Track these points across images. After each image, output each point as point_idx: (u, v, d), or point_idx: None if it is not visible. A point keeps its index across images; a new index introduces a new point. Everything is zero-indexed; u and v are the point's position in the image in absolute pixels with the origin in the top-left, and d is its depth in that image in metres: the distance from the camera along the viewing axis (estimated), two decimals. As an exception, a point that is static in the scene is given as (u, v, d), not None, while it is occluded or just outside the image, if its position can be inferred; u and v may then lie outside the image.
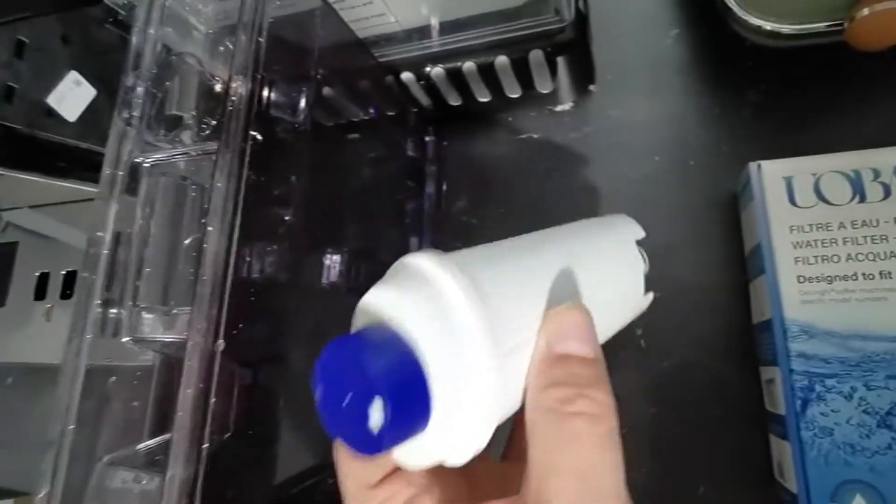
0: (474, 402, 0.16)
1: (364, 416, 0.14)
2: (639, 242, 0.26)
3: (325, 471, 0.28)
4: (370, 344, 0.15)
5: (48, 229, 0.54)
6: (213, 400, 0.20)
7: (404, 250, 0.39)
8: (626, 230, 0.26)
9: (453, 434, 0.16)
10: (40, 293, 0.53)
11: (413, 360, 0.15)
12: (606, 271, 0.24)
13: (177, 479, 0.19)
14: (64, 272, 0.52)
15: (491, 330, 0.16)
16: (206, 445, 0.20)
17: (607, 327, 0.24)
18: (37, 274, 0.53)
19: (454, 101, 0.41)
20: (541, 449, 0.16)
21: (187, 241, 0.24)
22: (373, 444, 0.15)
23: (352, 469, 0.19)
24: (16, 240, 0.55)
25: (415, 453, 0.17)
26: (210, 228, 0.22)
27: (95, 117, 0.45)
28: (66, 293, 0.52)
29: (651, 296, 0.26)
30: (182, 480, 0.19)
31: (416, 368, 0.15)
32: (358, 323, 0.17)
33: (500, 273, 0.18)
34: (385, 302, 0.16)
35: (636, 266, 0.25)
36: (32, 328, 0.53)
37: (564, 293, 0.19)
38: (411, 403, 0.15)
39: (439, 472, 0.20)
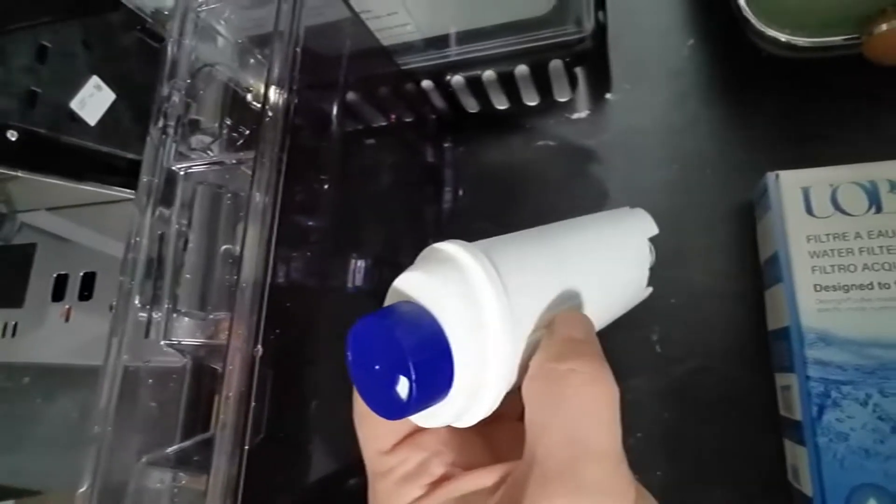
0: (490, 377, 0.17)
1: (392, 384, 0.16)
2: (650, 238, 0.27)
3: (350, 473, 0.29)
4: (401, 318, 0.17)
5: (65, 231, 0.55)
6: (253, 404, 0.21)
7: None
8: (639, 226, 0.27)
9: (465, 402, 0.17)
10: (58, 295, 0.53)
11: (441, 337, 0.16)
12: (613, 265, 0.25)
13: (221, 479, 0.19)
14: (82, 273, 0.53)
15: (509, 316, 0.17)
16: (247, 447, 0.20)
17: (606, 314, 0.25)
18: (54, 275, 0.54)
19: (472, 108, 0.42)
20: (535, 409, 0.17)
21: (223, 248, 0.25)
22: (399, 410, 0.16)
23: (366, 438, 0.20)
24: (33, 241, 0.56)
25: (427, 417, 0.18)
26: (249, 236, 0.22)
27: (114, 121, 0.46)
28: (84, 294, 0.52)
29: (650, 290, 0.27)
30: (226, 480, 0.20)
31: (444, 344, 0.16)
32: (389, 303, 0.19)
33: (519, 265, 0.19)
34: (416, 284, 0.18)
35: (643, 261, 0.26)
36: (49, 329, 0.53)
37: (571, 287, 0.20)
38: (435, 375, 0.16)
39: (451, 436, 0.20)
